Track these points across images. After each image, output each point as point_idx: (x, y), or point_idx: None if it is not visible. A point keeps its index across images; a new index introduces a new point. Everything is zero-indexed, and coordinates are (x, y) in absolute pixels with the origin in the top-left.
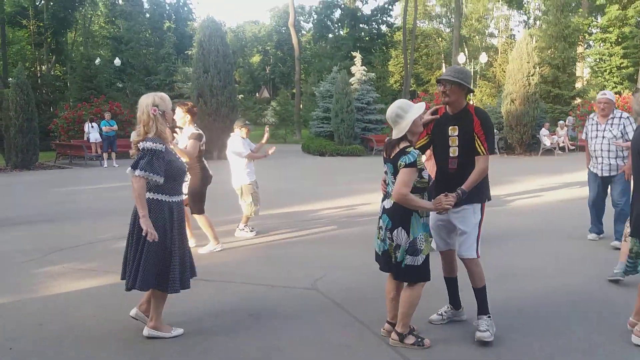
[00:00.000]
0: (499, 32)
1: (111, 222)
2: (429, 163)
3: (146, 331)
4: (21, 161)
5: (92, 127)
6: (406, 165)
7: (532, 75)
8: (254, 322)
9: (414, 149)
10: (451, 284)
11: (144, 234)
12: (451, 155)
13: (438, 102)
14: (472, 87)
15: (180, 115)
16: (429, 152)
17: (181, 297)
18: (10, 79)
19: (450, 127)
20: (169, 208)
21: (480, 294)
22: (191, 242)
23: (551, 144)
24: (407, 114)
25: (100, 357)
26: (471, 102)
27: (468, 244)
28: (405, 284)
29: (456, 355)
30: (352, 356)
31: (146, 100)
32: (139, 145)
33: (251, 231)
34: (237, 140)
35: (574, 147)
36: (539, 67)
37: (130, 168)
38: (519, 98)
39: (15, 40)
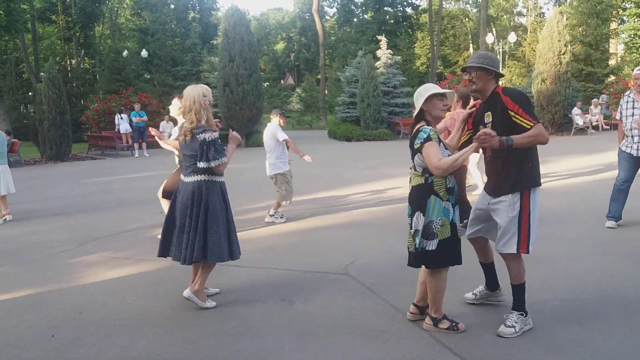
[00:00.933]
0: (527, 10)
1: (143, 211)
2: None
3: (187, 293)
4: (55, 153)
5: (122, 118)
6: (423, 142)
7: (563, 54)
8: (287, 308)
9: (429, 127)
10: (486, 268)
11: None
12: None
13: (466, 84)
14: (500, 71)
15: (178, 106)
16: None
17: (215, 284)
18: (42, 73)
19: (485, 115)
20: (220, 187)
21: (516, 290)
22: None
23: (584, 123)
24: (427, 92)
25: (138, 344)
26: (500, 83)
27: (505, 239)
28: (425, 270)
29: (491, 339)
30: (386, 341)
31: (195, 91)
32: (199, 136)
33: (281, 218)
34: (276, 128)
35: (608, 127)
36: (571, 45)
37: (204, 162)
38: (550, 77)
39: (45, 36)
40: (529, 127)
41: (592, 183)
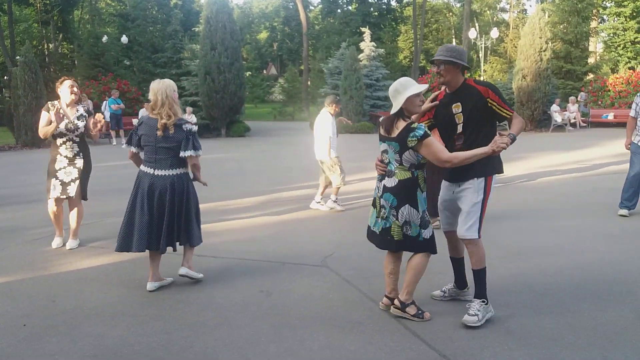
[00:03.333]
0: (510, 6)
1: (120, 200)
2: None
3: (184, 270)
4: (31, 139)
5: (106, 106)
6: (421, 139)
7: (544, 51)
8: (265, 299)
9: (421, 123)
10: (456, 263)
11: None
12: (458, 131)
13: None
14: (466, 64)
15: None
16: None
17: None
18: (18, 57)
19: (453, 105)
20: (190, 178)
21: (478, 276)
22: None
23: (562, 120)
24: (405, 90)
25: (112, 334)
26: (482, 78)
27: (468, 224)
28: (411, 255)
29: (466, 333)
30: (363, 332)
31: (166, 85)
32: (185, 127)
33: (340, 205)
34: (327, 118)
35: (585, 124)
36: (551, 43)
37: (192, 151)
38: (531, 74)
39: (22, 19)
40: (508, 116)
41: (570, 179)
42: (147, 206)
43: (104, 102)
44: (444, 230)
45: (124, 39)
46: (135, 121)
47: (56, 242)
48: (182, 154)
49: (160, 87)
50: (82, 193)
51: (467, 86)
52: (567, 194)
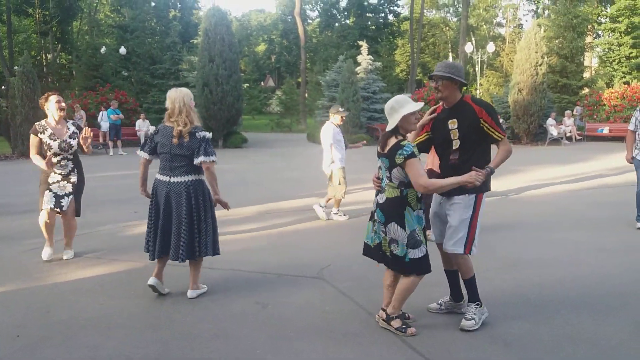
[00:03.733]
0: (507, 21)
1: (117, 210)
2: (429, 157)
3: (193, 293)
4: (27, 149)
5: (103, 116)
6: (407, 158)
7: (540, 65)
8: (261, 310)
9: (411, 143)
10: (451, 275)
11: (221, 207)
12: (453, 147)
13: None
14: (464, 81)
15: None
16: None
17: (187, 284)
18: (16, 67)
19: (449, 121)
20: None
21: (468, 283)
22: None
23: (558, 133)
24: (401, 108)
25: (108, 344)
26: (478, 92)
27: (455, 239)
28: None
29: (464, 346)
30: (359, 344)
31: (184, 93)
32: (199, 134)
33: (344, 215)
34: (329, 129)
35: (581, 137)
36: (547, 57)
37: (204, 157)
38: (527, 88)
39: (21, 29)
40: (499, 138)
41: (566, 192)
42: (165, 213)
43: (101, 112)
44: (436, 242)
45: (122, 50)
46: (145, 129)
47: (46, 252)
48: (195, 160)
49: (178, 96)
50: (76, 209)
51: (463, 103)
52: (564, 206)
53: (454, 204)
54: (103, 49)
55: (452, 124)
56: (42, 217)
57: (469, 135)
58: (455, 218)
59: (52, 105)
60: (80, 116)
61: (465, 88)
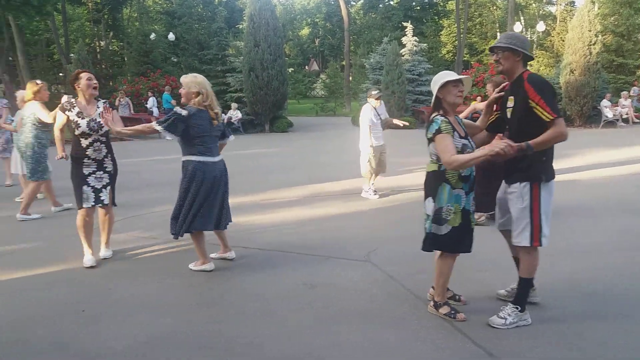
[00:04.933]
0: None
1: (169, 193)
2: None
3: (231, 254)
4: None
5: (152, 102)
6: (435, 133)
7: (593, 44)
8: (308, 291)
9: (442, 117)
10: (518, 263)
11: None
12: (507, 128)
13: (492, 73)
14: (529, 53)
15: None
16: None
17: (237, 264)
18: (72, 55)
19: (508, 99)
20: None
21: (522, 283)
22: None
23: (613, 115)
24: (441, 79)
25: (163, 322)
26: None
27: (517, 230)
28: (437, 253)
29: (515, 332)
30: (407, 328)
31: (204, 79)
32: (224, 116)
33: (374, 193)
34: (367, 110)
35: (638, 120)
36: (601, 36)
37: (231, 136)
38: (579, 68)
39: (75, 18)
40: (548, 119)
41: (621, 177)
42: (216, 190)
43: (150, 98)
44: (498, 228)
45: (171, 36)
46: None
47: (89, 259)
48: (222, 140)
49: (204, 81)
50: (112, 198)
51: (520, 80)
52: (618, 192)
53: (512, 192)
54: (152, 36)
55: (510, 102)
56: (80, 218)
57: (520, 116)
58: (514, 208)
59: (82, 82)
60: (125, 102)
61: (529, 68)
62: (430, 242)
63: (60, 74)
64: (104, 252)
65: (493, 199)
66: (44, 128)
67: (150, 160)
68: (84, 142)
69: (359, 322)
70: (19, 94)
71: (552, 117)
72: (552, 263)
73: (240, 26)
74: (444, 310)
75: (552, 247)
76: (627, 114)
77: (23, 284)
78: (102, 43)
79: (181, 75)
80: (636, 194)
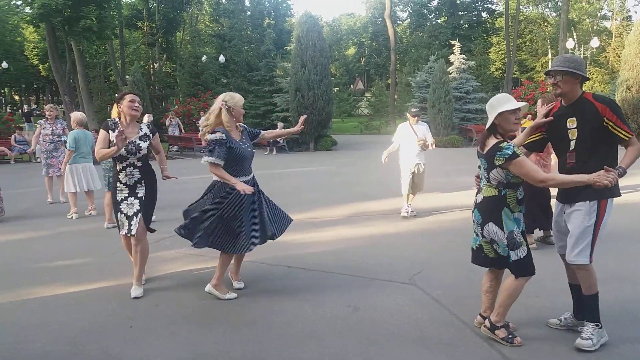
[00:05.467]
0: (613, 13)
1: None
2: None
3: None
4: None
5: None
6: (509, 159)
7: None
8: (352, 314)
9: (511, 143)
10: (575, 290)
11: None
12: (570, 148)
13: (543, 90)
14: (586, 75)
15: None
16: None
17: (280, 284)
18: (128, 76)
19: (568, 120)
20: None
21: (589, 301)
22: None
23: None
24: (499, 106)
25: (209, 339)
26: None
27: (578, 249)
28: (508, 275)
29: (563, 359)
30: (453, 355)
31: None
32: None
33: (409, 212)
34: (400, 127)
35: None
36: None
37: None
38: (637, 85)
39: (132, 41)
40: (627, 138)
41: None
42: (255, 206)
43: (202, 118)
44: (558, 252)
45: (221, 58)
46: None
47: (137, 291)
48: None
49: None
50: (146, 225)
51: (584, 100)
52: None
53: (576, 210)
54: (204, 58)
55: (571, 123)
56: (124, 243)
57: (587, 136)
58: (577, 226)
59: (125, 104)
60: (176, 122)
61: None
62: (515, 268)
63: (116, 95)
64: (134, 291)
65: (528, 220)
66: None
67: (196, 179)
68: (118, 166)
69: (405, 347)
70: (73, 115)
71: (630, 136)
72: (604, 287)
73: (288, 47)
74: (502, 333)
75: (605, 272)
76: None
77: (80, 297)
78: (156, 65)
79: None
80: None
